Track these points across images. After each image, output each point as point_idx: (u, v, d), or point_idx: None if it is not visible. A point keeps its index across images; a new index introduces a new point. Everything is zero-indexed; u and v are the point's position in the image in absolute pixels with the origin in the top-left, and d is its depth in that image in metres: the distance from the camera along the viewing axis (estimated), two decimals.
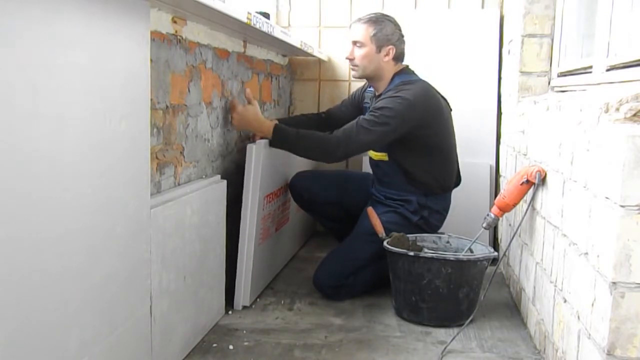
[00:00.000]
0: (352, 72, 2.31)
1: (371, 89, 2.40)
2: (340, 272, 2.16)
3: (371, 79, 2.29)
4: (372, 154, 2.34)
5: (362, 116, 2.16)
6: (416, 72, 2.30)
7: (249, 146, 2.02)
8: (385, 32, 2.20)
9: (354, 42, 2.23)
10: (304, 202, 2.44)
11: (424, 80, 2.22)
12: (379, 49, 2.20)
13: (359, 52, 2.21)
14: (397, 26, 2.24)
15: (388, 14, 2.28)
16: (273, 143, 2.10)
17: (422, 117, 2.13)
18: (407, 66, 2.29)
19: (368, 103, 2.38)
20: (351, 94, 2.59)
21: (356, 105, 2.48)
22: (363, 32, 2.20)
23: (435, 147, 2.22)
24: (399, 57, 2.24)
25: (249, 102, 2.12)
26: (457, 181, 2.36)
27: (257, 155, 2.01)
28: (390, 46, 2.20)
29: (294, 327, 1.92)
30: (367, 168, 2.86)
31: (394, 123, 2.08)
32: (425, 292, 1.95)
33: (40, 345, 1.00)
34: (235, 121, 2.07)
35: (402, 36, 2.25)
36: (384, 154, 2.27)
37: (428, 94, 2.17)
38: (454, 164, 2.32)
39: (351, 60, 2.25)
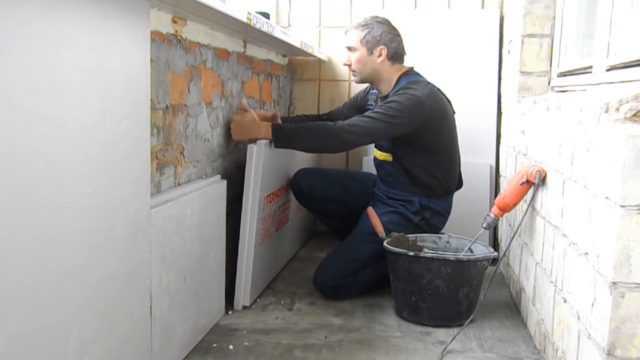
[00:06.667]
0: (352, 78, 2.35)
1: (374, 90, 2.40)
2: (340, 272, 2.16)
3: (372, 81, 2.31)
4: (377, 153, 2.34)
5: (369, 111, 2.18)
6: (419, 73, 2.30)
7: (249, 146, 2.02)
8: (374, 33, 2.21)
9: (348, 48, 2.27)
10: (304, 198, 2.42)
11: (430, 83, 2.23)
12: (370, 51, 2.22)
13: (353, 57, 2.25)
14: (388, 26, 2.24)
15: (379, 16, 2.28)
16: (276, 143, 2.10)
17: (429, 117, 2.14)
18: (412, 68, 2.29)
19: (372, 105, 2.39)
20: (353, 96, 2.59)
21: (359, 107, 2.48)
22: (354, 37, 2.24)
23: (440, 149, 2.23)
24: (394, 56, 2.24)
25: (245, 111, 2.11)
26: (459, 184, 2.37)
27: (258, 155, 2.01)
28: (382, 47, 2.21)
29: (294, 327, 1.92)
30: (366, 168, 2.87)
31: (402, 117, 2.09)
32: (425, 292, 1.95)
33: (41, 345, 1.00)
34: (233, 130, 2.06)
35: (397, 35, 2.24)
36: (388, 154, 2.28)
37: (436, 96, 2.18)
38: (457, 167, 2.32)
39: (348, 66, 2.29)
